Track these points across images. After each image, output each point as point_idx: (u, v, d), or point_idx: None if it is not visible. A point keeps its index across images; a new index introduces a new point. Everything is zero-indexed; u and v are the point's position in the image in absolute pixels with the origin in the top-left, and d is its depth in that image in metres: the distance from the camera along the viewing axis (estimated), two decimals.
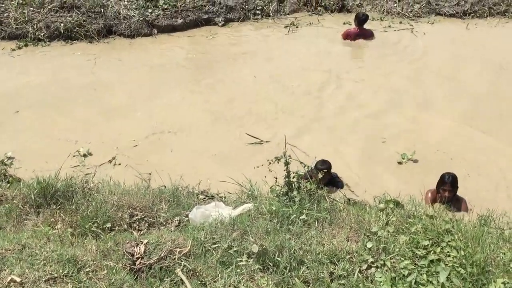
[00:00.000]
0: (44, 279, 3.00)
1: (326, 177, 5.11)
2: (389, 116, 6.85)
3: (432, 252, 3.49)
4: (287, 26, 9.84)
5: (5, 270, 3.08)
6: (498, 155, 6.02)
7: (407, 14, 10.14)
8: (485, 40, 9.24)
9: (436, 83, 7.71)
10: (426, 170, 5.67)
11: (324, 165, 5.20)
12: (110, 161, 6.00)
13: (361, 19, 9.15)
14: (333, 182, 5.35)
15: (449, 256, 3.45)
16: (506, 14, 10.08)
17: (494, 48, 8.81)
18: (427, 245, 3.55)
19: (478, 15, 10.09)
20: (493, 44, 9.04)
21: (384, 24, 9.75)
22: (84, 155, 6.05)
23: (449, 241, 3.58)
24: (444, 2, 10.32)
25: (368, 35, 9.23)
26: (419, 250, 3.51)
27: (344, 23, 9.47)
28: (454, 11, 10.14)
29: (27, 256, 3.22)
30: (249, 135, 6.34)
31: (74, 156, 6.03)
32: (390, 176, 5.69)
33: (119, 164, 5.98)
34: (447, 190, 4.89)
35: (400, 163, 5.88)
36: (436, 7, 10.25)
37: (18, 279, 2.96)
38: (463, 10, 10.14)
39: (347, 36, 9.22)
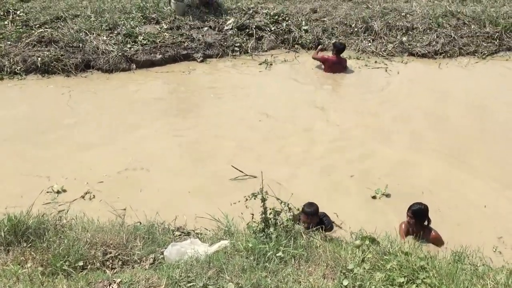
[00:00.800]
0: None
1: (315, 220, 5.10)
2: (367, 152, 6.96)
3: None
4: (261, 64, 10.00)
5: None
6: (467, 189, 6.13)
7: (381, 53, 10.44)
8: (457, 79, 9.55)
9: (407, 120, 7.89)
10: (399, 205, 5.72)
11: (311, 207, 5.12)
12: (82, 197, 5.89)
13: (339, 48, 9.58)
14: (321, 223, 5.18)
15: None
16: (476, 54, 10.46)
17: (467, 87, 9.12)
18: (403, 282, 3.57)
19: (449, 55, 10.44)
20: (464, 83, 9.36)
21: (361, 63, 10.00)
22: (58, 192, 5.92)
23: (424, 278, 3.61)
24: (416, 42, 10.68)
25: (344, 63, 9.65)
26: None
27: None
28: (426, 51, 10.47)
29: None
30: (234, 167, 6.31)
31: (47, 192, 5.91)
32: (364, 211, 5.73)
33: (93, 197, 5.90)
34: (409, 216, 5.10)
35: (374, 197, 5.95)
36: (409, 47, 10.58)
37: None
38: (435, 50, 10.49)
39: (325, 60, 9.61)
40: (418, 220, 5.08)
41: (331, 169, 6.52)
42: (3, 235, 4.13)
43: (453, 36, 10.75)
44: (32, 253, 4.02)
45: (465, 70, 9.97)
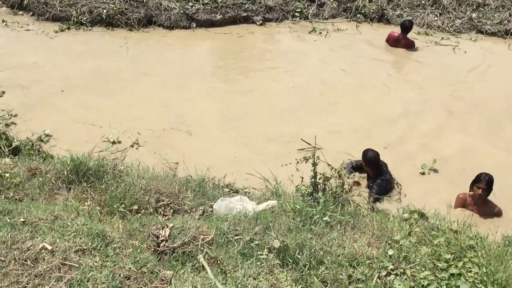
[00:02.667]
0: (73, 250, 3.11)
1: (372, 165, 5.38)
2: (415, 126, 6.83)
3: (453, 266, 3.48)
4: (310, 32, 9.80)
5: (37, 238, 3.20)
6: None
7: (447, 29, 10.01)
8: None
9: (480, 105, 7.53)
10: (448, 182, 5.64)
11: (369, 152, 5.42)
12: (132, 146, 6.05)
13: (405, 26, 9.19)
14: (380, 172, 5.45)
15: (470, 271, 3.43)
16: None
17: None
18: (449, 258, 3.54)
19: None
20: None
21: (427, 39, 9.61)
22: (113, 142, 6.10)
23: (471, 257, 3.56)
24: (486, 19, 10.15)
25: (408, 44, 9.22)
26: (440, 263, 3.50)
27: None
28: (496, 30, 9.96)
29: (59, 227, 3.34)
30: (303, 140, 6.14)
31: (104, 141, 6.11)
32: (413, 187, 5.65)
33: (141, 145, 6.06)
34: (481, 188, 4.98)
35: (423, 174, 5.84)
36: (478, 24, 10.09)
37: (49, 247, 3.07)
38: (505, 29, 9.96)
39: (388, 38, 9.34)
40: (489, 191, 5.02)
41: (392, 143, 6.41)
42: (66, 174, 4.39)
43: None
44: (92, 193, 4.26)
45: None
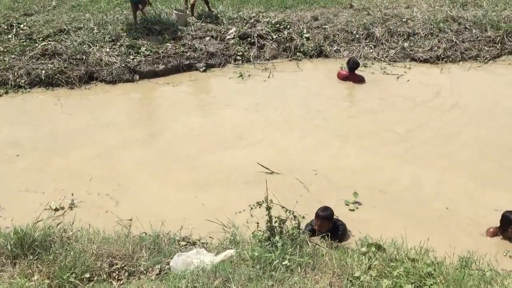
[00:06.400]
0: None
1: (325, 225, 5.08)
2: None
3: None
4: (240, 76, 9.92)
5: None
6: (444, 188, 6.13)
7: (383, 59, 10.44)
8: (462, 84, 9.46)
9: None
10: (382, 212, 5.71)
11: (324, 211, 5.11)
12: (70, 208, 5.88)
13: (351, 66, 9.46)
14: (334, 229, 5.15)
15: None
16: (478, 58, 10.43)
17: (472, 91, 9.09)
18: None
19: (451, 60, 10.42)
20: (470, 87, 9.32)
21: (369, 70, 9.94)
22: (56, 209, 5.85)
23: (431, 285, 3.60)
24: (418, 47, 10.67)
25: (356, 80, 9.48)
26: None
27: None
28: (428, 56, 10.47)
29: None
30: (260, 164, 6.42)
31: (45, 209, 5.81)
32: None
33: (88, 207, 5.90)
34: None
35: (352, 210, 5.76)
36: (411, 52, 10.58)
37: None
38: (437, 55, 10.47)
39: (338, 75, 9.59)
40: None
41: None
42: (9, 248, 4.15)
43: (454, 41, 10.72)
44: (39, 265, 4.04)
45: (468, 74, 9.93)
